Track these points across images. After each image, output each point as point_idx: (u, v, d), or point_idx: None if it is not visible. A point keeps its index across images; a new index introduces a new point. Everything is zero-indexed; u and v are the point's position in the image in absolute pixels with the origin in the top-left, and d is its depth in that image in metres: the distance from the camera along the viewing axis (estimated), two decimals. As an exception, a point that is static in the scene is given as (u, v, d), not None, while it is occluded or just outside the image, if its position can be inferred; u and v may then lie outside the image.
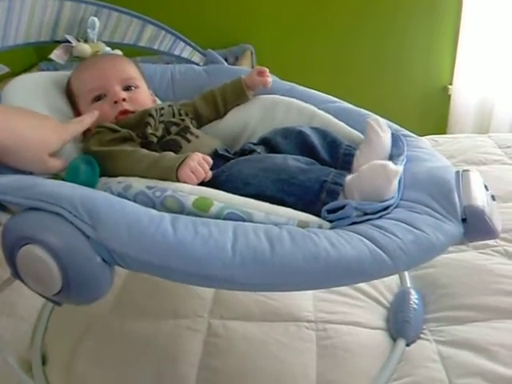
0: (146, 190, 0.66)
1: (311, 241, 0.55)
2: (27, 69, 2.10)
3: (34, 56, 2.20)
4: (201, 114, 0.95)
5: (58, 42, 1.04)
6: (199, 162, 0.68)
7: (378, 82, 2.33)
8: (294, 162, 0.71)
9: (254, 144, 0.86)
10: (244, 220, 0.61)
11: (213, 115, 0.97)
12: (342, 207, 0.63)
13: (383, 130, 0.79)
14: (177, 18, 1.20)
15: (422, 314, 0.91)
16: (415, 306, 0.91)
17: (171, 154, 0.73)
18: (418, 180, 0.71)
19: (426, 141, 0.91)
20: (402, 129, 0.93)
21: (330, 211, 0.64)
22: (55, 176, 0.77)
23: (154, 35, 1.16)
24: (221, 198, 0.64)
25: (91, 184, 0.73)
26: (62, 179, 0.72)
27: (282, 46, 2.26)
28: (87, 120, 0.80)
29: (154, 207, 0.64)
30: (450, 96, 2.32)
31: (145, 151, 0.75)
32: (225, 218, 0.62)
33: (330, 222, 0.64)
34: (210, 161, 0.70)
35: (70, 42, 1.03)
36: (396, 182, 0.64)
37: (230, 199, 0.64)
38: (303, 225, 0.62)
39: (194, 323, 0.91)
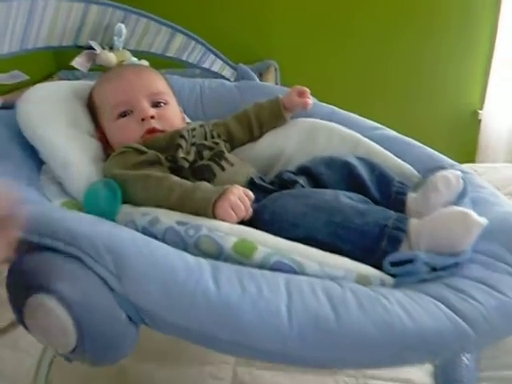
0: (176, 226, 0.57)
1: (381, 306, 0.45)
2: (46, 77, 2.03)
3: (53, 64, 2.13)
4: (233, 136, 0.86)
5: (81, 48, 0.97)
6: (240, 197, 0.59)
7: (403, 103, 2.24)
8: (346, 199, 0.62)
9: (294, 173, 0.76)
10: (295, 271, 0.52)
11: (246, 137, 0.87)
12: (409, 260, 0.54)
13: (450, 189, 0.66)
14: (199, 34, 1.12)
15: (474, 371, 0.80)
16: (467, 362, 0.80)
17: (207, 184, 0.63)
18: (491, 229, 0.61)
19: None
20: (455, 163, 0.83)
21: (393, 263, 0.55)
22: (72, 201, 0.69)
23: (183, 45, 1.08)
24: (266, 242, 0.54)
25: (112, 213, 0.65)
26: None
27: (307, 63, 2.17)
28: None
29: (185, 248, 0.55)
30: (480, 121, 2.22)
31: (175, 178, 0.65)
32: (271, 268, 0.52)
33: (393, 275, 0.54)
34: (252, 196, 0.61)
35: (93, 48, 0.96)
36: (476, 235, 0.54)
37: (277, 244, 0.54)
38: (363, 280, 0.53)
39: (219, 370, 0.81)
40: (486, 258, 0.57)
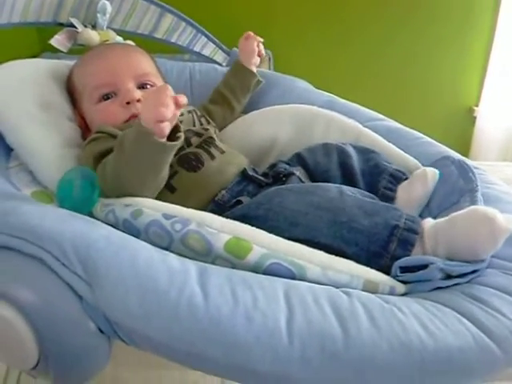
0: (162, 219, 0.50)
1: (397, 321, 0.39)
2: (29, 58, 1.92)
3: (37, 44, 2.02)
4: (213, 114, 0.83)
5: (62, 26, 0.89)
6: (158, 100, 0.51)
7: (399, 95, 2.19)
8: (352, 196, 0.55)
9: (288, 164, 0.70)
10: (293, 276, 0.45)
11: (227, 112, 0.85)
12: (422, 266, 0.47)
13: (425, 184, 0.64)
14: (190, 15, 1.05)
15: None
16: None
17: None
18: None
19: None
20: (462, 157, 0.78)
21: (403, 269, 0.49)
22: (43, 191, 0.61)
23: (173, 27, 1.00)
24: (262, 241, 0.47)
25: (88, 205, 0.58)
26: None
27: (303, 54, 2.11)
28: None
29: (170, 244, 0.48)
30: (475, 118, 2.18)
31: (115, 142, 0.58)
32: (266, 271, 0.46)
33: (404, 282, 0.48)
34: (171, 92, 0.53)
35: (75, 26, 0.88)
36: (502, 242, 0.48)
37: (274, 243, 0.48)
38: (371, 287, 0.46)
39: (205, 377, 0.74)
40: (504, 263, 0.50)
